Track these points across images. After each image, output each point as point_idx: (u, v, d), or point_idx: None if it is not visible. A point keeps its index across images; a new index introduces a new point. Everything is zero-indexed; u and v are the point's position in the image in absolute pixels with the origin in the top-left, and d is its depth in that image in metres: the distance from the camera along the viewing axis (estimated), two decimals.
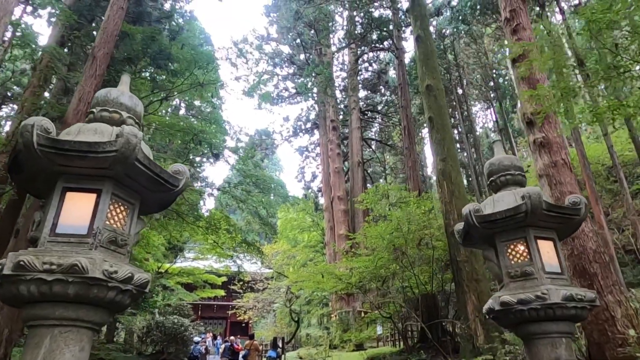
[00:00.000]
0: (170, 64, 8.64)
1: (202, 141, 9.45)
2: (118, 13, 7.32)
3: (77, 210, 2.70)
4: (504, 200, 3.82)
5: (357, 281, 12.03)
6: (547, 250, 3.67)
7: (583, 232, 5.83)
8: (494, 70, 31.76)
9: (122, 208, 2.89)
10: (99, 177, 2.75)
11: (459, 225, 4.19)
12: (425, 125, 34.34)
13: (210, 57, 10.07)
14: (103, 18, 7.49)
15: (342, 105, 27.59)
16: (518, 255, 3.68)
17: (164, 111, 11.78)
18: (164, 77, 9.29)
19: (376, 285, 12.34)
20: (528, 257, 3.61)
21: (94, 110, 3.15)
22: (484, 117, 43.24)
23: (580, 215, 3.69)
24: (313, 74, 21.27)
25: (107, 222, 2.73)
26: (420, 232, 10.53)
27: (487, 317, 3.91)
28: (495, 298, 3.57)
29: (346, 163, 25.76)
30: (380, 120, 31.23)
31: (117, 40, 7.70)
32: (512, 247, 3.72)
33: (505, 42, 7.90)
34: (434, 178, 39.11)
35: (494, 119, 38.29)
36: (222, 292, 27.22)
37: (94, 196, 2.73)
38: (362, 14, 23.16)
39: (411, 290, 11.35)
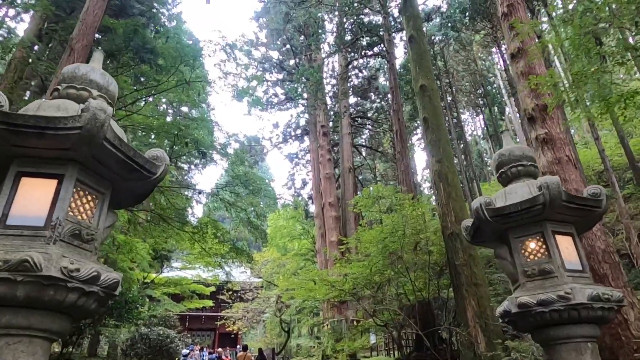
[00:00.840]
0: (154, 57, 8.20)
1: (188, 142, 8.98)
2: (98, 4, 6.90)
3: (33, 198, 2.29)
4: (517, 193, 3.50)
5: (351, 288, 11.63)
6: (566, 246, 3.35)
7: (591, 231, 5.54)
8: (483, 77, 31.94)
9: (89, 197, 2.48)
10: (60, 160, 2.35)
11: (467, 222, 3.86)
12: (415, 132, 34.43)
13: (197, 52, 9.66)
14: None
15: (332, 113, 27.38)
16: (535, 252, 3.35)
17: (150, 115, 11.32)
18: (149, 74, 8.85)
19: (370, 292, 11.95)
20: (546, 253, 3.29)
21: (59, 87, 2.75)
22: (472, 125, 43.59)
23: (601, 207, 3.39)
24: (303, 79, 21.00)
25: (70, 213, 2.32)
26: (415, 237, 10.21)
27: (501, 320, 3.56)
28: (512, 299, 3.23)
29: (337, 170, 25.45)
30: (370, 127, 31.09)
31: (99, 35, 7.31)
32: (527, 243, 3.40)
33: (505, 37, 7.69)
34: (424, 185, 39.26)
35: (483, 126, 38.55)
36: (210, 303, 26.55)
37: (54, 182, 2.33)
38: (352, 20, 23.06)
39: (406, 297, 10.99)
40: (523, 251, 3.40)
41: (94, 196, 2.51)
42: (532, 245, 3.38)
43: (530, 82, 4.94)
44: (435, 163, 9.53)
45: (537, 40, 7.08)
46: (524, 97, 6.67)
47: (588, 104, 5.22)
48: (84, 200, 2.45)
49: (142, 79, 10.41)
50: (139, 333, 15.49)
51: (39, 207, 2.26)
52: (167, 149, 11.39)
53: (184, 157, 14.48)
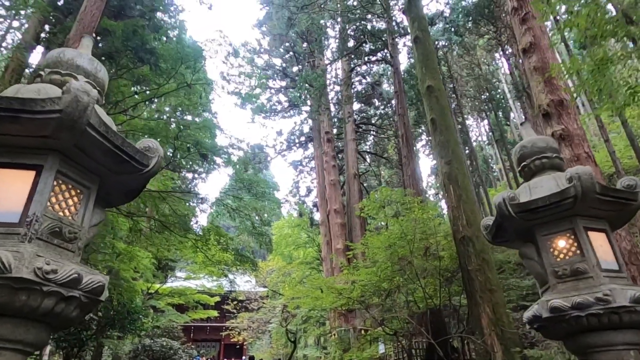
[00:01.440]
0: (154, 59, 8.00)
1: (189, 147, 8.76)
2: (96, 4, 6.73)
3: (7, 192, 2.03)
4: (543, 186, 3.21)
5: (359, 296, 11.28)
6: (600, 243, 3.05)
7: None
8: (487, 81, 31.70)
9: (72, 192, 2.22)
10: (39, 150, 2.10)
11: (488, 220, 3.57)
12: (420, 138, 34.17)
13: (199, 53, 9.46)
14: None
15: (335, 119, 27.20)
16: (565, 251, 3.05)
17: (151, 119, 11.11)
18: (149, 77, 8.65)
19: (379, 299, 11.59)
20: (578, 252, 2.99)
21: (42, 72, 2.51)
22: (477, 131, 43.32)
23: (637, 201, 3.09)
24: (306, 85, 20.85)
25: (50, 209, 2.06)
26: (425, 241, 9.88)
27: (529, 327, 3.25)
28: (543, 303, 2.92)
29: (341, 176, 25.17)
30: (374, 133, 30.88)
31: (97, 36, 7.15)
32: (557, 241, 3.10)
33: (515, 32, 7.43)
34: (429, 192, 38.85)
35: (488, 131, 38.25)
36: (215, 313, 26.16)
37: (32, 174, 2.07)
38: (354, 26, 22.96)
39: (416, 305, 10.62)
40: (552, 250, 3.10)
41: (78, 191, 2.25)
42: (561, 243, 3.08)
43: (553, 70, 4.66)
44: (444, 165, 9.24)
45: (548, 37, 6.81)
46: (537, 92, 6.39)
47: (598, 105, 4.94)
48: (67, 195, 2.19)
49: (143, 84, 10.24)
50: (142, 344, 15.20)
51: (13, 201, 2.01)
52: (170, 157, 11.18)
53: (187, 164, 14.25)
